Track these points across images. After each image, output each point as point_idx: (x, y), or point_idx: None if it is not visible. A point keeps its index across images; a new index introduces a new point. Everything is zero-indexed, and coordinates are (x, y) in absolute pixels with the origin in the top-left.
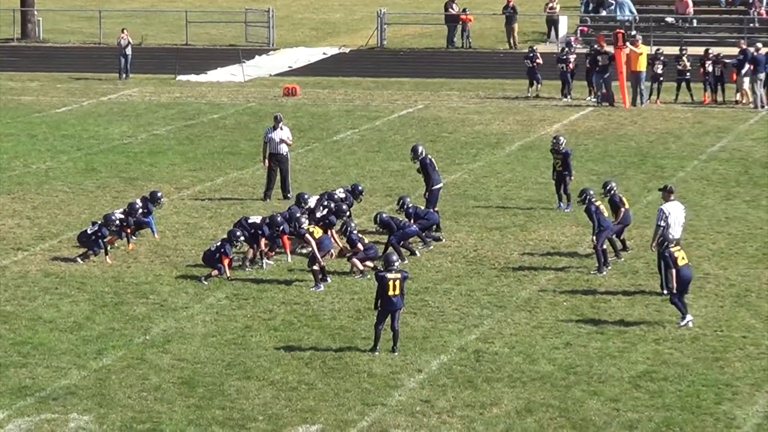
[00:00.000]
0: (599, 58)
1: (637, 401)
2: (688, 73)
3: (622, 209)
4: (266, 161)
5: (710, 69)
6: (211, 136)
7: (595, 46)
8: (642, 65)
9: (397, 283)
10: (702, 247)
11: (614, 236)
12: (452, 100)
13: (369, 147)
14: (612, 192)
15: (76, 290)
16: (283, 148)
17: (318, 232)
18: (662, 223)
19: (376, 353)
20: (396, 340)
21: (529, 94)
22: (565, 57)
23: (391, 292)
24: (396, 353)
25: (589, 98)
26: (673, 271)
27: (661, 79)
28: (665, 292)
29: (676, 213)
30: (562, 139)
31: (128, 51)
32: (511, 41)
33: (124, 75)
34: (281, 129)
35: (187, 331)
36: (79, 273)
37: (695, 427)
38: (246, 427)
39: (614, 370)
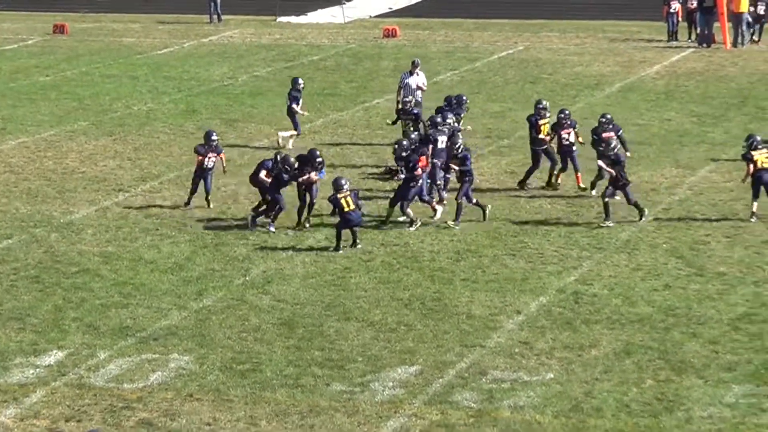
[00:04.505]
0: None
1: (736, 343)
2: None
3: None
4: (399, 104)
5: None
6: (311, 78)
7: None
8: (744, 6)
9: (349, 199)
10: None
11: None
12: (552, 41)
13: (469, 88)
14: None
15: (177, 231)
16: (419, 94)
17: None
18: None
19: (340, 251)
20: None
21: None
22: (668, 0)
23: (347, 209)
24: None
25: (689, 39)
26: None
27: (763, 20)
28: None
29: None
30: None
31: None
32: None
33: (215, 19)
34: (417, 75)
35: (286, 272)
36: (180, 214)
37: None
38: (345, 368)
39: (713, 312)
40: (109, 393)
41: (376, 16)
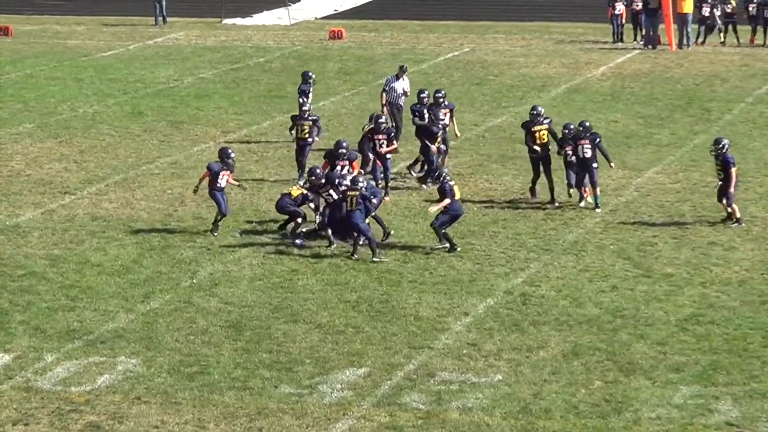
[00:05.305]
0: (650, 0)
1: (683, 344)
2: (735, 16)
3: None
4: (384, 108)
5: (754, 12)
6: (257, 80)
7: None
8: (688, 7)
9: (354, 199)
10: (749, 190)
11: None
12: (498, 42)
13: (415, 89)
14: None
15: (123, 234)
16: (402, 100)
17: None
18: None
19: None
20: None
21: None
22: (612, 2)
23: (350, 207)
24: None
25: (635, 41)
26: None
27: (708, 21)
28: None
29: None
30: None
31: None
32: None
33: (161, 21)
34: (403, 80)
35: (234, 274)
36: (126, 217)
37: (742, 371)
38: (293, 370)
39: (661, 313)
40: (56, 396)
41: (321, 18)
